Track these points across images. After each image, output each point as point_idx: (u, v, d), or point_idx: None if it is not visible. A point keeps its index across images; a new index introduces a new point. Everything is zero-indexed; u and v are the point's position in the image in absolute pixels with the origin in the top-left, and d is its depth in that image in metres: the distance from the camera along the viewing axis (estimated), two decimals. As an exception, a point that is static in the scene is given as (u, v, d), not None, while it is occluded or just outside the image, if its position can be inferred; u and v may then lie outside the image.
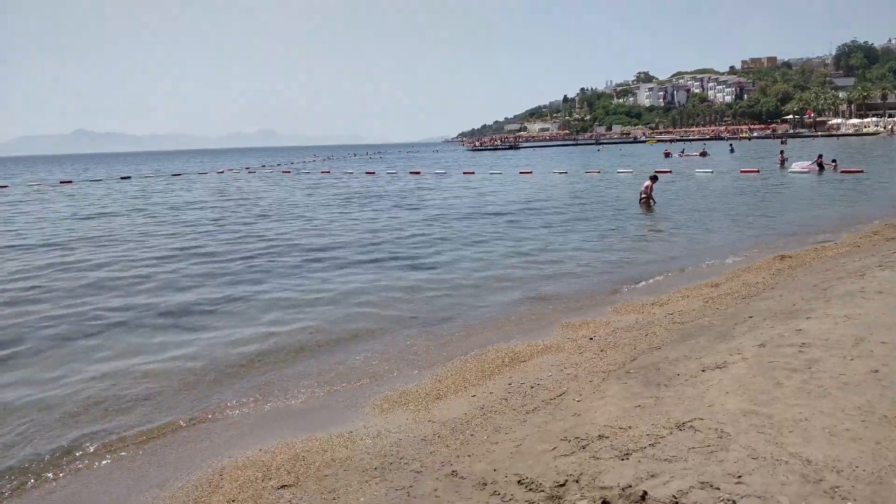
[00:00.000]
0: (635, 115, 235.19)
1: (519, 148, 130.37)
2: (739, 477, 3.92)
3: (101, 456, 5.33)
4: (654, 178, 22.81)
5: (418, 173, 50.60)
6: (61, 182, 54.59)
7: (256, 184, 44.15)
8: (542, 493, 4.08)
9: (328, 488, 4.46)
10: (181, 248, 15.69)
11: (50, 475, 5.05)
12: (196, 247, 15.97)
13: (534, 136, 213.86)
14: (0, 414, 6.12)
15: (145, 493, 4.71)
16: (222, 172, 65.31)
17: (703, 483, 3.90)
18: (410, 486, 4.37)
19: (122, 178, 59.55)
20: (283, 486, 4.55)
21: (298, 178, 50.23)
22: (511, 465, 4.54)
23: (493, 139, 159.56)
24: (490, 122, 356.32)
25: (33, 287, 11.74)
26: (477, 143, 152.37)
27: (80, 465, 5.19)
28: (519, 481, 4.28)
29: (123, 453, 5.38)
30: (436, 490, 4.29)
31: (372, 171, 56.51)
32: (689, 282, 10.87)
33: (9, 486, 4.90)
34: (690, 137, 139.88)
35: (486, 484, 4.30)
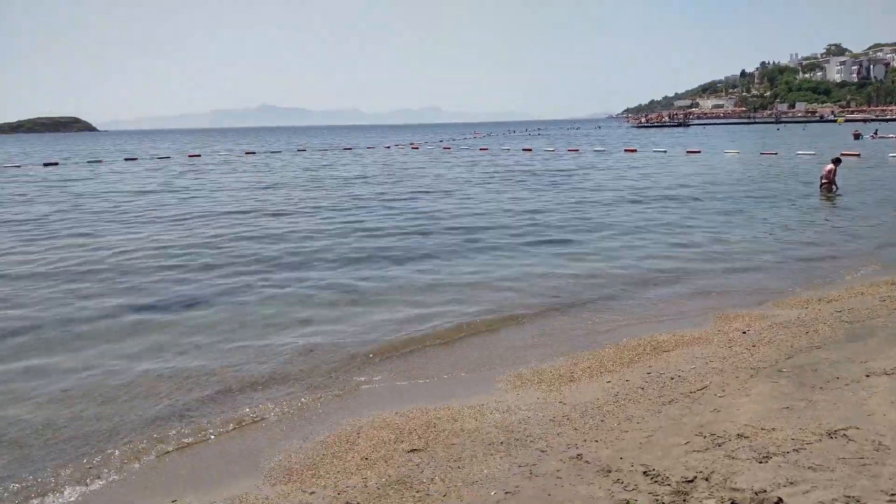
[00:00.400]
0: (823, 91, 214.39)
1: (689, 125, 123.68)
2: (893, 495, 3.58)
3: (263, 412, 5.86)
4: (836, 162, 20.77)
5: (577, 150, 49.69)
6: (246, 153, 59.56)
7: (419, 159, 45.55)
8: (667, 487, 3.97)
9: (454, 457, 4.63)
10: (347, 223, 16.40)
11: (223, 426, 5.66)
12: (360, 221, 16.68)
13: (706, 113, 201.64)
14: (182, 376, 6.90)
15: (292, 441, 5.15)
16: (389, 147, 67.96)
17: (848, 497, 3.61)
18: (533, 465, 4.42)
19: (298, 150, 63.84)
20: (413, 450, 4.77)
21: (458, 154, 51.15)
22: (639, 455, 4.45)
23: (660, 115, 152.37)
24: (658, 98, 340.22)
25: (217, 254, 12.97)
26: (643, 120, 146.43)
27: (245, 419, 5.75)
28: (645, 472, 4.19)
29: (281, 409, 5.90)
30: (558, 471, 4.31)
31: (529, 147, 56.22)
32: (866, 278, 9.88)
33: (192, 435, 5.55)
34: (888, 117, 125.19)
35: (610, 471, 4.26)
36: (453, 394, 5.96)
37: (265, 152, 60.93)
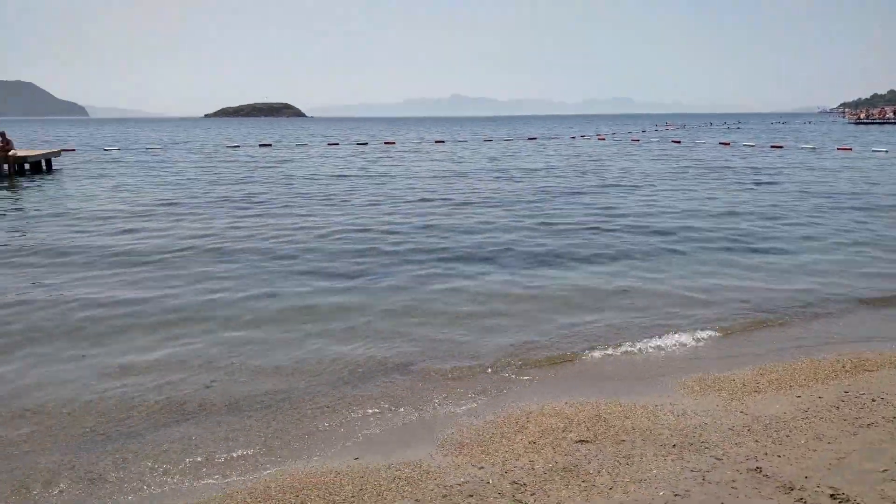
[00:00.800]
0: None
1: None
2: None
3: (442, 389, 6.25)
4: None
5: (781, 147, 45.79)
6: (436, 142, 61.83)
7: (606, 151, 44.57)
8: (857, 514, 3.69)
9: (623, 453, 4.60)
10: (530, 216, 16.32)
11: (404, 396, 6.10)
12: (544, 214, 16.57)
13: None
14: (371, 353, 7.47)
15: (465, 418, 5.41)
16: (574, 138, 67.15)
17: None
18: (707, 471, 4.29)
19: (484, 140, 65.05)
20: (581, 441, 4.82)
21: (648, 146, 49.32)
22: (827, 476, 4.15)
23: (882, 111, 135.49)
24: (882, 91, 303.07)
25: (408, 241, 13.70)
26: (861, 115, 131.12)
27: (424, 393, 6.16)
28: (833, 495, 3.91)
29: (456, 388, 6.22)
30: (734, 481, 4.15)
31: (727, 141, 52.72)
32: None
33: (376, 402, 6.05)
34: None
35: (793, 488, 4.02)
36: (627, 392, 5.89)
37: (453, 141, 62.82)
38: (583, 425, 5.08)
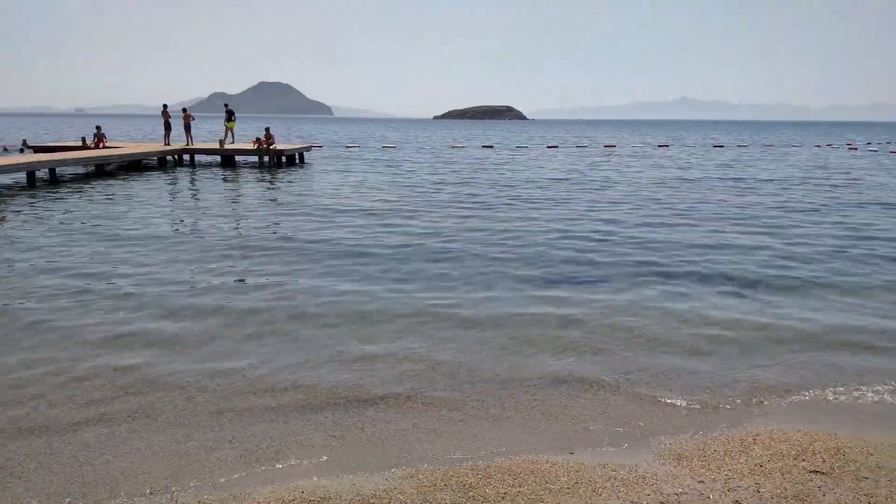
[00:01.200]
0: None
1: None
2: None
3: (657, 396, 6.19)
4: None
5: None
6: (659, 146, 59.58)
7: (856, 162, 39.85)
8: None
9: (865, 491, 4.24)
10: (763, 232, 15.30)
11: (617, 398, 6.15)
12: (784, 232, 15.38)
13: None
14: (591, 356, 7.55)
15: (686, 431, 5.31)
16: (819, 147, 60.89)
17: None
18: (969, 526, 3.82)
19: (714, 146, 61.33)
20: (815, 471, 4.51)
21: (912, 159, 43.22)
22: None
23: None
24: None
25: (617, 252, 13.51)
26: None
27: (654, 398, 6.14)
28: None
29: (677, 398, 6.11)
30: None
31: None
32: None
33: (596, 402, 6.17)
34: None
35: None
36: (871, 429, 5.36)
37: (680, 146, 60.06)
38: (818, 456, 4.75)
